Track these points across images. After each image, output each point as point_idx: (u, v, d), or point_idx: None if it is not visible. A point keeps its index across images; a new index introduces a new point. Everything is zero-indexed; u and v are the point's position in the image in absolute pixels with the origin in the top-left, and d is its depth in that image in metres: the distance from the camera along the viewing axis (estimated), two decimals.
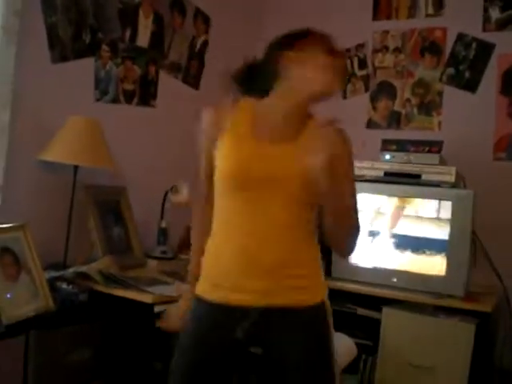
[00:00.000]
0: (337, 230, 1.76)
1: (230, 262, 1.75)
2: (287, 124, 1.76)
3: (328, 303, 1.81)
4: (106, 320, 2.61)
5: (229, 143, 1.75)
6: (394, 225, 3.22)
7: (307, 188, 1.71)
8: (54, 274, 2.61)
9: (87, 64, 3.03)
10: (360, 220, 1.80)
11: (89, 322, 2.54)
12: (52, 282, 2.53)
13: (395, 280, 3.16)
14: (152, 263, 3.17)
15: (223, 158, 1.75)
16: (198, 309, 1.81)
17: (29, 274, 2.42)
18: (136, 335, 2.64)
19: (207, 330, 1.78)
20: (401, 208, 3.21)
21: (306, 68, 1.73)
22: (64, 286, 2.55)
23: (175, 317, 1.93)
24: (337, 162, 1.63)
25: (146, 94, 3.39)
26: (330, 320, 1.81)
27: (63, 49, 2.87)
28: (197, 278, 1.84)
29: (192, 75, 3.71)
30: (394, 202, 3.24)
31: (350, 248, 1.83)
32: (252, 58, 1.87)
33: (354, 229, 1.79)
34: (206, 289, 1.80)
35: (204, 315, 1.80)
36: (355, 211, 1.80)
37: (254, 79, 1.83)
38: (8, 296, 2.27)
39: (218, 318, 1.77)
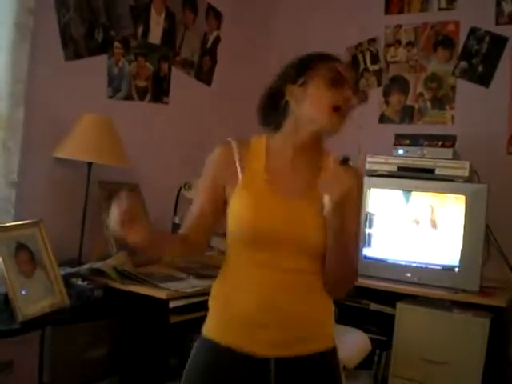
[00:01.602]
0: (336, 272, 1.72)
1: (246, 312, 1.68)
2: (302, 162, 1.72)
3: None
4: (121, 316, 2.62)
5: (245, 194, 1.69)
6: (406, 219, 3.21)
7: (321, 239, 1.68)
8: (69, 270, 2.63)
9: (100, 61, 3.04)
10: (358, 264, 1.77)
11: (104, 317, 2.55)
12: (67, 279, 2.55)
13: (409, 275, 3.16)
14: (166, 259, 3.18)
15: (242, 209, 1.68)
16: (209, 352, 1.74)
17: (44, 271, 2.44)
18: (151, 331, 2.65)
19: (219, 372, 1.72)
20: (414, 202, 3.21)
21: (308, 105, 1.67)
22: (79, 282, 2.57)
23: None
24: (348, 200, 1.63)
25: (158, 90, 3.40)
26: (341, 363, 1.80)
27: (76, 46, 2.89)
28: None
29: (204, 71, 3.71)
30: (407, 196, 3.23)
31: (345, 290, 1.82)
32: (267, 90, 1.78)
33: (354, 269, 1.76)
34: (217, 332, 1.73)
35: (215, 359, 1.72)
36: (356, 253, 1.79)
37: (268, 112, 1.78)
38: (23, 292, 2.28)
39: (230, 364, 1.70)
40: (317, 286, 1.73)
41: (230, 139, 1.76)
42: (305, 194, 1.69)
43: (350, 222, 1.68)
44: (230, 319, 1.71)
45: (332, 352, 1.75)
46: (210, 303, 1.78)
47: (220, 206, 1.75)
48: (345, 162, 1.65)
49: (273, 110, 1.75)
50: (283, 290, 1.68)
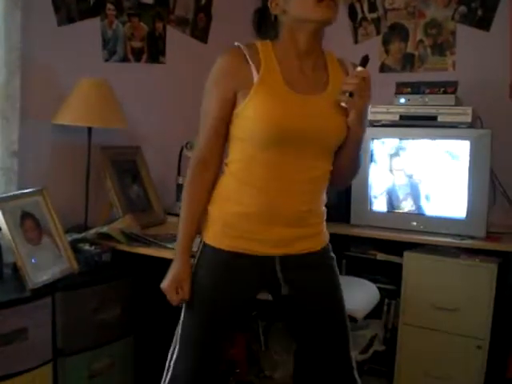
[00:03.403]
0: (349, 167, 1.88)
1: (258, 213, 1.75)
2: (308, 66, 1.77)
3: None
4: (130, 278, 2.64)
5: (264, 94, 1.69)
6: (411, 168, 3.20)
7: (342, 139, 1.77)
8: (75, 236, 2.64)
9: (93, 24, 2.99)
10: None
11: (113, 280, 2.57)
12: (74, 244, 2.57)
13: (415, 224, 3.16)
14: (172, 219, 3.19)
15: (262, 109, 1.68)
16: (214, 259, 1.80)
17: (51, 238, 2.46)
18: (161, 291, 2.67)
19: (228, 280, 1.80)
20: (418, 150, 3.19)
21: (294, 8, 1.71)
22: (86, 247, 2.58)
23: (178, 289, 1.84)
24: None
25: (154, 50, 3.36)
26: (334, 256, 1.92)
27: (68, 11, 2.84)
28: (190, 249, 1.82)
29: (200, 29, 3.66)
30: (410, 144, 3.21)
31: (350, 182, 2.10)
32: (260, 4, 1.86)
33: (360, 161, 1.89)
34: (223, 238, 1.79)
35: (222, 265, 1.80)
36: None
37: (265, 24, 1.83)
38: (33, 261, 2.30)
39: (239, 267, 1.79)
40: (325, 184, 1.84)
41: (237, 43, 1.76)
42: (320, 92, 1.76)
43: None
44: (237, 221, 1.76)
45: (329, 248, 1.89)
46: (214, 206, 1.80)
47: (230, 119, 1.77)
48: (365, 62, 1.74)
49: (266, 27, 1.82)
50: (299, 190, 1.76)
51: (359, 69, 1.73)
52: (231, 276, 1.80)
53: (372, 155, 3.25)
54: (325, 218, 1.89)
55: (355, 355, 2.89)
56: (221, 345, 1.88)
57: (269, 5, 1.76)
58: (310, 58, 1.78)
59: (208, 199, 1.81)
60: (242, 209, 1.76)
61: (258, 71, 1.70)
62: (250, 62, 1.71)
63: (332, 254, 1.90)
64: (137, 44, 3.24)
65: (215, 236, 1.80)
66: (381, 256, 3.29)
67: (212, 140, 1.77)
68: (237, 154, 1.78)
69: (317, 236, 1.85)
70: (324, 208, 1.88)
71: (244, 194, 1.76)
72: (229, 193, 1.79)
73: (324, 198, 1.87)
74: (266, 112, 1.68)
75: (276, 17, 1.78)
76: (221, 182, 1.81)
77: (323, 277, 1.86)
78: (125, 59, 3.18)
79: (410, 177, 3.21)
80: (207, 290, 1.81)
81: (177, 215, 3.20)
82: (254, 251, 1.77)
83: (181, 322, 1.87)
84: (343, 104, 1.72)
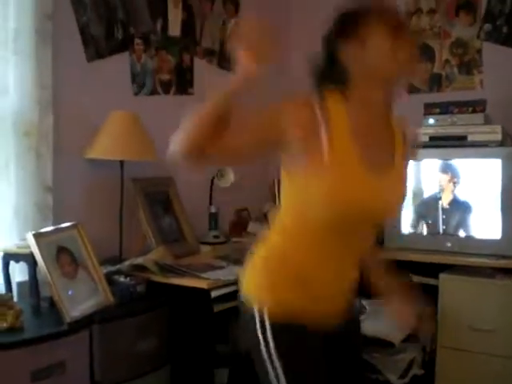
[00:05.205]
0: None
1: (321, 286, 1.67)
2: (376, 133, 1.63)
3: None
4: (165, 308, 2.66)
5: (336, 166, 1.53)
6: (444, 189, 3.18)
7: None
8: (110, 268, 2.68)
9: (122, 59, 3.06)
10: None
11: (149, 311, 2.59)
12: (109, 277, 2.59)
13: (449, 245, 3.13)
14: (206, 249, 3.21)
15: (331, 190, 1.54)
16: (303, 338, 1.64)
17: (86, 271, 2.49)
18: (196, 320, 2.68)
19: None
20: (449, 171, 3.17)
21: (374, 57, 1.56)
22: (121, 279, 2.61)
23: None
24: None
25: (182, 82, 3.41)
26: None
27: (97, 46, 2.91)
28: None
29: (227, 59, 3.70)
30: (442, 166, 3.19)
31: None
32: (315, 55, 1.65)
33: None
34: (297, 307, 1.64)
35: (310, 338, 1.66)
36: None
37: (327, 77, 1.63)
38: (70, 293, 2.33)
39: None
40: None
41: (306, 97, 1.59)
42: (388, 167, 1.64)
43: None
44: (304, 295, 1.64)
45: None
46: (268, 280, 1.67)
47: (253, 156, 1.71)
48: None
49: (328, 76, 1.62)
50: (352, 264, 1.71)
51: None
52: None
53: None
54: None
55: (394, 380, 2.88)
56: None
57: (337, 49, 1.60)
58: (379, 116, 1.65)
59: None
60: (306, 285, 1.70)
61: (326, 132, 1.54)
62: (322, 130, 1.54)
63: None
64: (165, 76, 3.29)
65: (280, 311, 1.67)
66: (416, 278, 3.25)
67: (228, 149, 1.60)
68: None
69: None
70: None
71: (301, 270, 1.68)
72: (279, 266, 1.70)
73: None
74: (331, 189, 1.54)
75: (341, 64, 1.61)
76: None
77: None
78: (154, 92, 3.24)
79: (444, 198, 3.18)
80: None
81: (209, 244, 3.26)
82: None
83: None
84: None
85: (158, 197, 3.13)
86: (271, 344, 1.61)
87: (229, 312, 2.64)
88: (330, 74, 1.62)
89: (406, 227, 3.25)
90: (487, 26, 3.48)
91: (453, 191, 3.15)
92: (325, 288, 1.66)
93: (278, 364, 1.60)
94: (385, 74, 1.58)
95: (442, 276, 3.04)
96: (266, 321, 1.63)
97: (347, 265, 1.70)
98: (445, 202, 3.18)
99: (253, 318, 1.65)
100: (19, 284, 2.50)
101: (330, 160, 1.53)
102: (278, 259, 1.68)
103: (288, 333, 1.62)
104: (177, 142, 1.64)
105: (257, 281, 1.71)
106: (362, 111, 1.59)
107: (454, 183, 3.15)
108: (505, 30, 3.42)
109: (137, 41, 3.11)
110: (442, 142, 3.16)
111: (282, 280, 1.66)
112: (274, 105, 1.58)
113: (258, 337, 1.63)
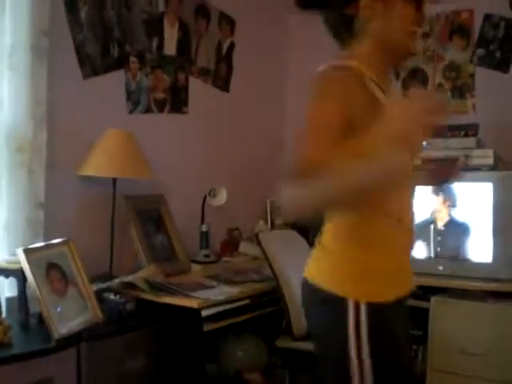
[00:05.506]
0: None
1: (402, 257, 1.75)
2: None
3: None
4: (154, 327, 2.64)
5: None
6: (438, 212, 3.18)
7: None
8: (100, 285, 2.66)
9: (117, 77, 3.07)
10: None
11: (138, 330, 2.57)
12: (99, 294, 2.58)
13: (441, 268, 3.12)
14: (196, 268, 3.20)
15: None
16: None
17: (76, 287, 2.47)
18: (185, 339, 2.67)
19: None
20: (441, 194, 3.18)
21: (395, 25, 1.56)
22: (111, 296, 2.59)
23: None
24: None
25: (177, 101, 3.42)
26: None
27: (93, 64, 2.92)
28: None
29: (221, 78, 3.73)
30: (433, 188, 3.19)
31: None
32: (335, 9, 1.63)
33: None
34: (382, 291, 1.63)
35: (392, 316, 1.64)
36: None
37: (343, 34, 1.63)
38: (58, 310, 2.31)
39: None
40: None
41: (346, 62, 1.53)
42: None
43: None
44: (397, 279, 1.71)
45: None
46: (361, 265, 1.59)
47: None
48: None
49: (347, 32, 1.61)
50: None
51: None
52: None
53: None
54: None
55: None
56: None
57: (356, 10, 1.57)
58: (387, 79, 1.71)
59: None
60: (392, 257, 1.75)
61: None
62: (374, 91, 1.57)
63: None
64: (160, 95, 3.30)
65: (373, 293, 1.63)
66: (408, 301, 3.24)
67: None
68: None
69: None
70: None
71: (389, 240, 1.72)
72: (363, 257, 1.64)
73: None
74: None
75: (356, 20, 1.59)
76: None
77: None
78: (148, 110, 3.25)
79: (434, 221, 3.19)
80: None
81: (200, 262, 3.25)
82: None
83: None
84: None
85: (150, 214, 3.12)
86: (364, 339, 1.53)
87: (219, 331, 2.63)
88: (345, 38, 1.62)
89: None
90: (480, 51, 3.52)
91: (449, 213, 3.16)
92: (407, 260, 1.76)
93: (367, 362, 1.52)
94: (399, 44, 1.59)
95: (433, 299, 3.04)
96: (361, 315, 1.54)
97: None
98: (440, 224, 3.18)
99: (338, 313, 1.55)
100: (8, 299, 2.48)
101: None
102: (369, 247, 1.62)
103: (386, 330, 1.58)
104: (296, 200, 1.39)
105: (347, 271, 1.60)
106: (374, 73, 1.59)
107: (449, 206, 3.15)
108: (498, 55, 3.46)
109: (132, 59, 3.12)
110: None
111: (377, 269, 1.61)
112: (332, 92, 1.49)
113: (345, 333, 1.54)
